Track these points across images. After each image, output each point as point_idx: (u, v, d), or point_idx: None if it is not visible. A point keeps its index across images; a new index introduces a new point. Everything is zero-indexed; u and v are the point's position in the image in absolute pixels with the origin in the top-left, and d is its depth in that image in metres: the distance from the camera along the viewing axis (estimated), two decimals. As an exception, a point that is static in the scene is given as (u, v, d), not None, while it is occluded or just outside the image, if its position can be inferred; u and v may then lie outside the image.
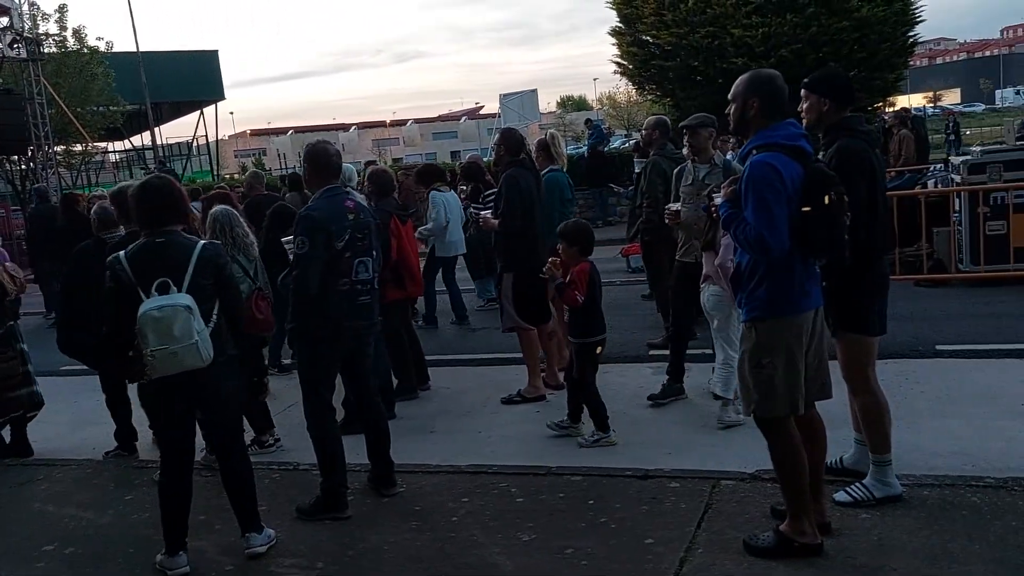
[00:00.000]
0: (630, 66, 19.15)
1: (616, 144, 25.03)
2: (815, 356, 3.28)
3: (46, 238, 10.87)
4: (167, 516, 3.74)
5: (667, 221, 5.39)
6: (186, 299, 3.49)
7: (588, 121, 19.07)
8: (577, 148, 24.55)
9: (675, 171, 5.49)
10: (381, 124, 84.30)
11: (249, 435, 5.40)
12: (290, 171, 12.83)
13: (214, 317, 3.62)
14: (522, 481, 4.35)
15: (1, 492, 5.06)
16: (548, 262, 5.08)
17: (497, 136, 6.24)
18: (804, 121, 3.60)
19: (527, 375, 5.99)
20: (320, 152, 4.28)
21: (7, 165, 23.00)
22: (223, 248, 4.12)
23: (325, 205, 4.14)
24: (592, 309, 4.96)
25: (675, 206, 5.29)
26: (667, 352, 5.78)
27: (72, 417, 6.48)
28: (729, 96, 3.31)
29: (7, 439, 5.76)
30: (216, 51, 40.18)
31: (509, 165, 5.90)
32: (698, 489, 4.00)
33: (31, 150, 19.80)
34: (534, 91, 22.45)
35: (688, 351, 5.67)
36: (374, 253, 4.30)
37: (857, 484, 3.71)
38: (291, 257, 4.40)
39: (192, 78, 36.12)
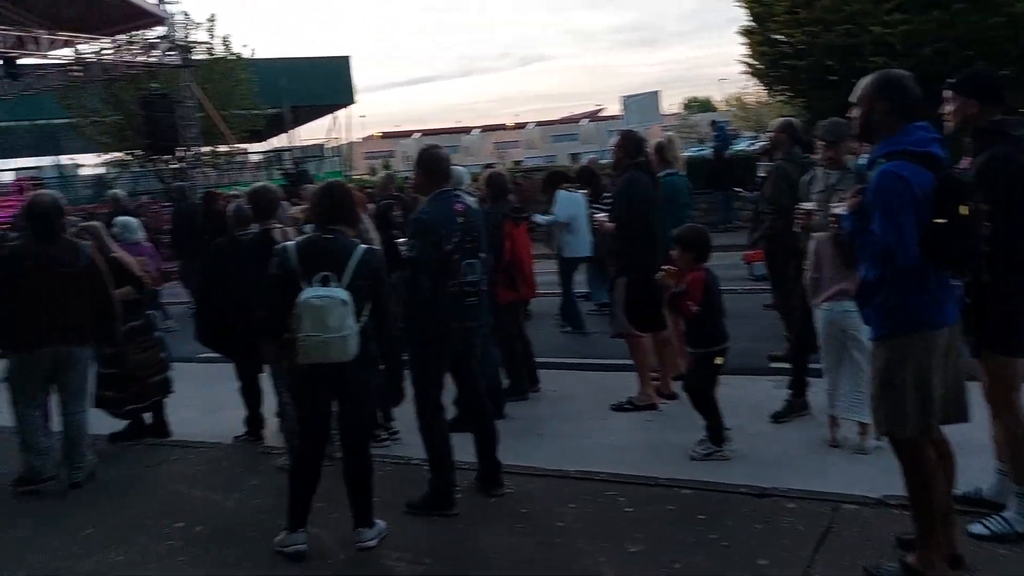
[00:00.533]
0: (760, 66, 18.55)
1: (742, 146, 24.34)
2: (950, 376, 3.06)
3: (188, 234, 11.59)
4: (294, 497, 3.91)
5: (798, 223, 5.08)
6: (344, 294, 3.66)
7: (713, 123, 18.61)
8: (700, 150, 24.05)
9: (803, 178, 5.24)
10: (503, 127, 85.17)
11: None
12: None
13: (363, 317, 3.76)
14: (630, 490, 4.29)
15: (141, 471, 5.41)
16: (662, 269, 4.97)
17: (616, 138, 6.17)
18: (949, 125, 3.36)
19: (638, 383, 5.90)
20: (432, 157, 4.39)
21: (159, 164, 24.64)
22: (380, 255, 4.20)
23: (436, 208, 4.25)
24: (710, 318, 4.80)
25: (809, 205, 4.94)
26: (789, 365, 5.55)
27: (206, 403, 6.86)
28: (853, 99, 3.13)
29: (146, 421, 6.17)
30: (348, 57, 41.79)
31: (627, 168, 5.83)
32: (818, 511, 3.82)
33: (180, 150, 21.12)
34: (656, 93, 22.14)
35: (812, 366, 5.43)
36: (483, 255, 4.35)
37: (996, 516, 3.44)
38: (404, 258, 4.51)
39: (326, 83, 37.68)
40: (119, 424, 6.07)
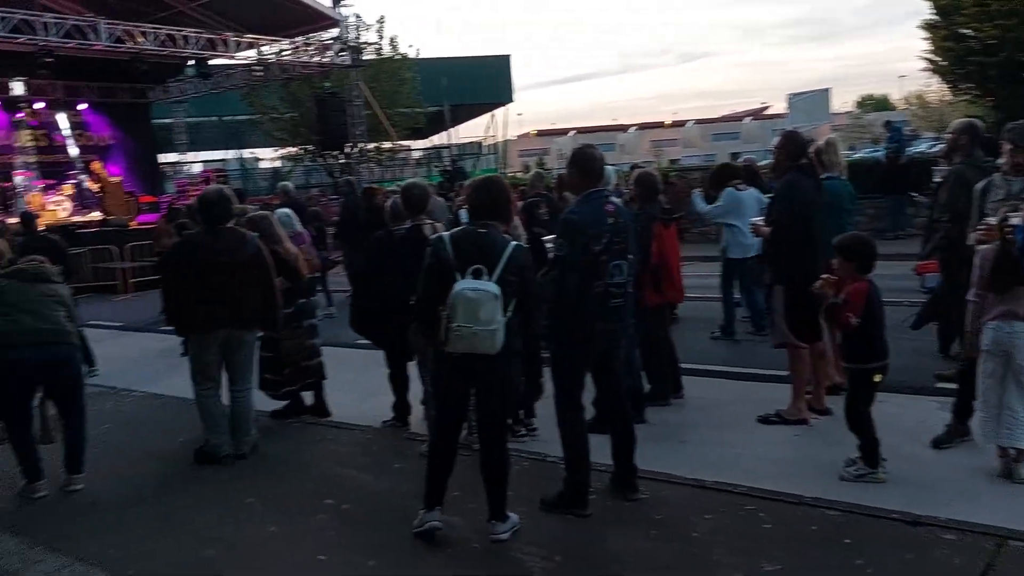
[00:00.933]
0: (943, 62, 17.34)
1: (922, 148, 22.74)
2: None
3: (352, 226, 12.22)
4: (430, 479, 4.06)
5: (979, 237, 4.67)
6: (496, 288, 3.75)
7: (887, 123, 17.40)
8: (874, 151, 22.67)
9: (977, 185, 4.83)
10: (660, 125, 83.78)
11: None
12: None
13: (509, 312, 3.84)
14: (772, 507, 4.14)
15: (299, 448, 5.77)
16: (820, 278, 4.75)
17: (778, 139, 5.92)
18: None
19: (790, 395, 5.67)
20: (587, 157, 4.39)
21: (328, 159, 26.08)
22: (528, 252, 4.22)
23: (586, 209, 4.25)
24: (870, 332, 4.51)
25: (993, 219, 4.47)
26: (956, 386, 5.16)
27: (361, 387, 7.20)
28: None
29: (306, 402, 6.57)
30: (508, 56, 42.45)
31: (788, 170, 5.60)
32: (978, 545, 3.55)
33: (347, 147, 22.27)
34: (826, 90, 21.07)
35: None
36: (630, 257, 4.32)
37: None
38: (550, 257, 4.55)
39: (486, 82, 38.48)
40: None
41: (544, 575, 3.66)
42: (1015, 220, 2.94)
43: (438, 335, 3.83)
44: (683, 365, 6.59)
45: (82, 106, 22.14)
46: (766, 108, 77.72)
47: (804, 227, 5.40)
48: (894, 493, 4.28)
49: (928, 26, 17.29)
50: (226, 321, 5.37)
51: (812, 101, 21.14)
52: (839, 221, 5.95)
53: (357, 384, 7.29)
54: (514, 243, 3.97)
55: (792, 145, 5.66)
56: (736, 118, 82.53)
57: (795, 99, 21.26)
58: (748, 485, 4.44)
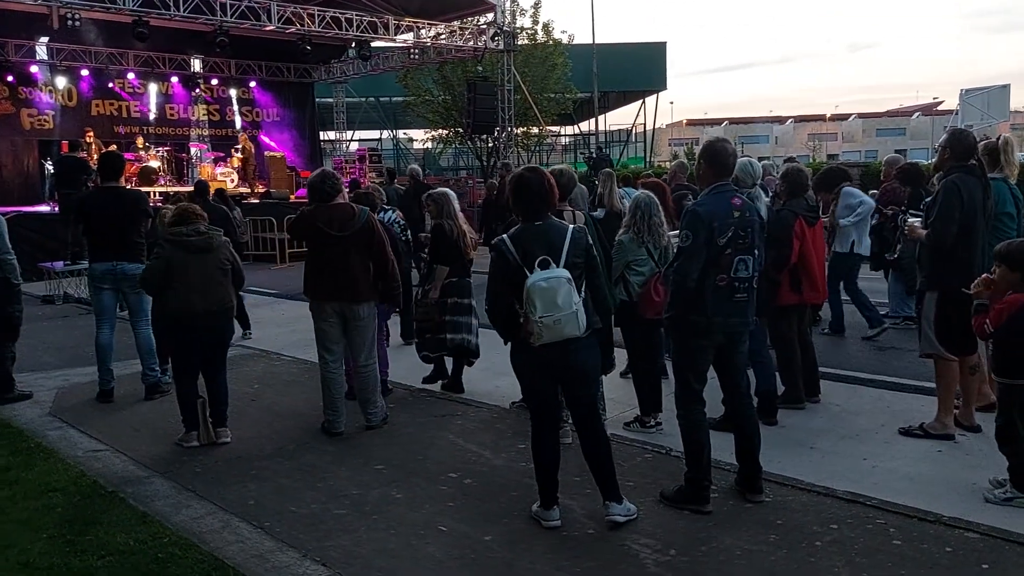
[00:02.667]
0: None
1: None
2: None
3: (499, 209, 12.53)
4: (539, 471, 4.14)
5: None
6: (567, 273, 3.84)
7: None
8: (1058, 155, 20.77)
9: None
10: (820, 118, 79.98)
11: (636, 412, 5.70)
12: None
13: (582, 293, 3.91)
14: (904, 523, 3.93)
15: (429, 422, 5.98)
16: (981, 277, 4.45)
17: (945, 137, 5.54)
18: None
19: (936, 408, 5.34)
20: (719, 151, 4.36)
21: (477, 143, 26.63)
22: (588, 232, 4.23)
23: (711, 201, 4.22)
24: (1021, 347, 4.21)
25: None
26: None
27: (491, 366, 7.36)
28: None
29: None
30: (664, 43, 41.70)
31: (952, 170, 5.24)
32: None
33: (496, 131, 22.64)
34: (1006, 87, 19.48)
35: None
36: (756, 252, 4.24)
37: None
38: (675, 249, 4.52)
39: (639, 69, 37.96)
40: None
41: (656, 567, 3.65)
42: None
43: (518, 333, 3.93)
44: (826, 369, 6.35)
45: (251, 84, 23.66)
46: (938, 104, 72.75)
47: (964, 232, 5.06)
48: (1045, 523, 3.97)
49: None
50: (338, 294, 5.58)
51: (988, 98, 19.63)
52: (996, 224, 5.52)
53: (492, 363, 7.45)
54: (572, 227, 4.04)
55: (959, 145, 5.28)
56: (904, 113, 77.68)
57: (969, 95, 19.79)
58: (880, 498, 4.24)
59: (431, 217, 6.74)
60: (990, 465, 4.67)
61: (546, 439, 4.13)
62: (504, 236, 4.07)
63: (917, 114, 72.92)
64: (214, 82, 22.93)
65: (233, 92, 23.28)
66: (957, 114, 20.83)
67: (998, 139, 6.01)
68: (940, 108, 68.03)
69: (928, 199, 5.64)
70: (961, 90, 20.67)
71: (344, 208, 5.68)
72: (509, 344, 4.13)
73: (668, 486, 4.40)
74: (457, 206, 6.73)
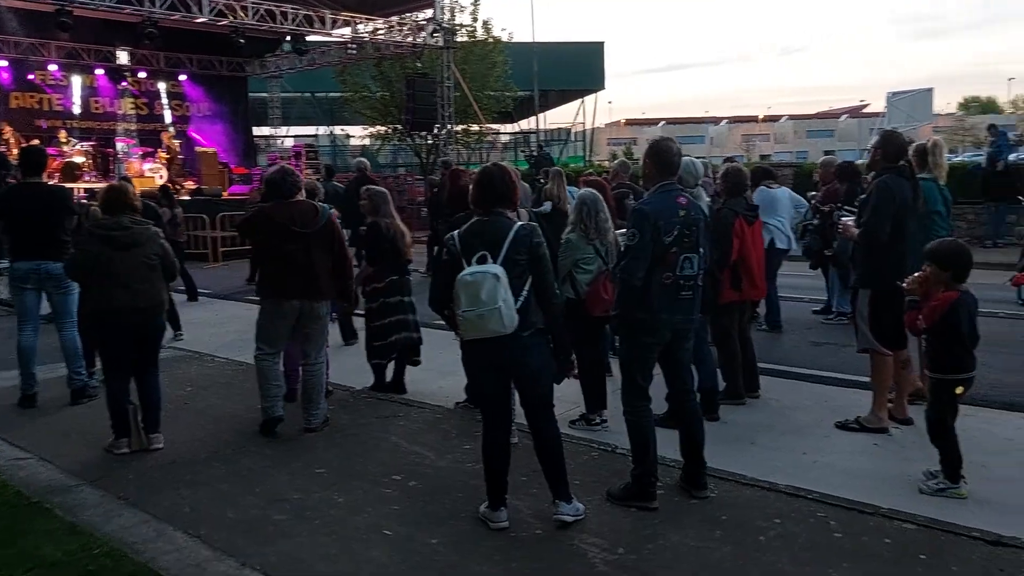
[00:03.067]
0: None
1: (1025, 155, 21.54)
2: None
3: (439, 208, 12.40)
4: (488, 470, 4.09)
5: None
6: (496, 268, 3.81)
7: (991, 127, 16.53)
8: (975, 156, 21.63)
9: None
10: (753, 119, 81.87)
11: (580, 410, 5.69)
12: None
13: (525, 292, 3.89)
14: (844, 516, 4.01)
15: (372, 423, 5.87)
16: (914, 275, 4.53)
17: (876, 138, 5.69)
18: None
19: (871, 402, 5.48)
20: (664, 150, 4.39)
21: (416, 140, 26.39)
22: (538, 230, 4.20)
23: (657, 200, 4.26)
24: (952, 343, 4.34)
25: None
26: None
27: (438, 366, 7.29)
28: None
29: (388, 378, 6.72)
30: (602, 43, 42.01)
31: (884, 171, 5.38)
32: (1065, 573, 3.37)
33: (436, 128, 22.47)
34: (929, 90, 20.20)
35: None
36: (701, 250, 4.28)
37: None
38: (621, 247, 4.54)
39: (578, 68, 38.20)
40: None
41: (605, 566, 3.64)
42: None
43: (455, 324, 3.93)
44: (763, 365, 6.45)
45: (182, 77, 22.98)
46: (865, 106, 75.11)
47: (895, 231, 5.20)
48: (977, 511, 4.10)
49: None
50: (298, 291, 5.48)
51: (913, 101, 20.33)
52: (927, 223, 5.69)
53: (435, 363, 7.37)
54: (519, 224, 4.00)
55: (891, 146, 5.44)
56: (833, 115, 79.99)
57: (895, 98, 20.45)
58: (821, 492, 4.31)
59: (366, 213, 6.63)
60: (923, 457, 4.81)
61: (495, 439, 4.09)
62: (454, 232, 4.04)
63: (845, 116, 75.21)
64: (142, 75, 22.14)
65: (162, 85, 22.55)
66: (884, 116, 21.52)
67: (928, 142, 6.20)
68: (867, 111, 70.27)
69: (863, 196, 5.79)
70: (888, 93, 21.39)
71: (307, 205, 5.62)
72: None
73: (615, 484, 4.40)
74: (392, 206, 6.64)
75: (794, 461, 4.91)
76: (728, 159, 7.83)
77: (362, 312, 6.68)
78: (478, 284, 3.76)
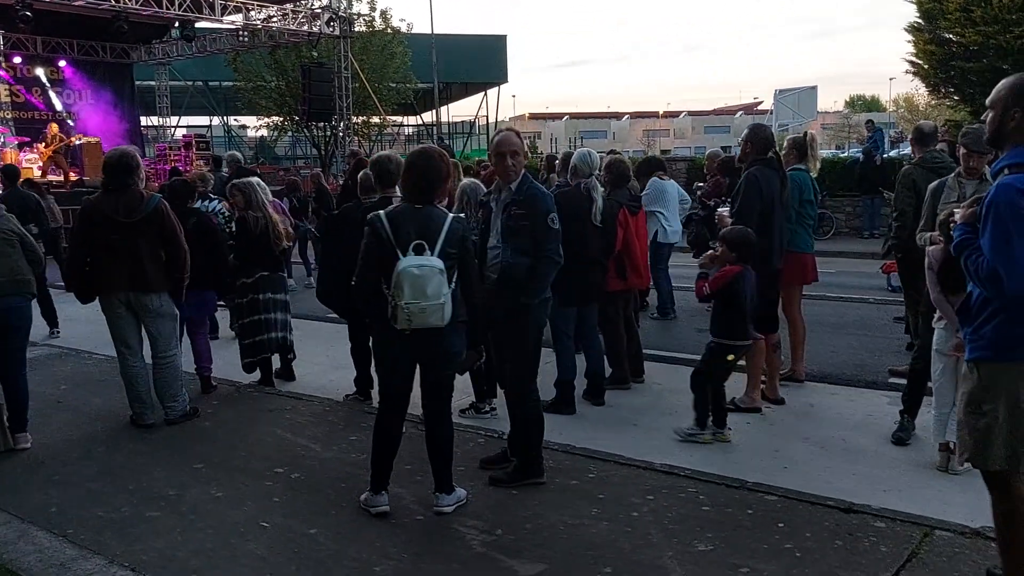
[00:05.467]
0: (925, 66, 17.40)
1: (907, 150, 22.85)
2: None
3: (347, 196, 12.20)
4: (376, 457, 4.07)
5: (931, 238, 4.74)
6: (440, 263, 3.75)
7: (869, 123, 17.55)
8: (858, 151, 22.82)
9: (931, 186, 4.88)
10: (654, 115, 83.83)
11: (470, 399, 5.74)
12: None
13: (453, 285, 3.85)
14: (713, 490, 4.20)
15: (257, 417, 5.77)
16: (707, 252, 5.27)
17: (745, 132, 5.96)
18: None
19: (746, 384, 5.74)
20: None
21: (314, 131, 25.92)
22: (468, 221, 4.31)
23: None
24: (730, 313, 5.01)
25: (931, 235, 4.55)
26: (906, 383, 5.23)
27: (327, 360, 7.22)
28: (987, 102, 2.90)
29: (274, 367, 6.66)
30: (504, 36, 42.20)
31: (754, 163, 5.64)
32: (906, 534, 3.62)
33: (335, 119, 22.11)
34: (813, 88, 21.16)
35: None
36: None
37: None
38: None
39: (480, 61, 38.26)
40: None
41: (482, 547, 3.70)
42: (959, 218, 2.95)
43: (383, 314, 3.81)
44: (649, 351, 6.64)
45: (62, 63, 21.84)
46: (759, 103, 77.94)
47: (763, 220, 5.46)
48: (833, 482, 4.36)
49: (913, 29, 17.31)
50: (125, 284, 5.32)
51: (799, 98, 21.23)
52: (800, 210, 5.99)
53: (325, 356, 7.30)
54: (451, 216, 3.95)
55: (757, 140, 5.71)
56: (729, 112, 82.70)
57: (781, 95, 21.33)
58: (693, 468, 4.50)
59: (237, 209, 6.48)
60: (792, 435, 5.09)
61: (390, 425, 4.07)
62: (380, 212, 3.91)
63: (740, 113, 77.86)
64: (17, 60, 20.94)
65: (41, 71, 21.39)
66: (772, 113, 22.42)
67: (805, 135, 6.53)
68: (760, 108, 72.96)
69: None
70: (775, 91, 22.27)
71: (132, 193, 5.36)
72: (371, 323, 4.04)
73: (498, 469, 4.47)
74: (266, 197, 6.49)
75: (671, 440, 5.10)
76: (611, 151, 7.97)
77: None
78: (426, 278, 3.69)
